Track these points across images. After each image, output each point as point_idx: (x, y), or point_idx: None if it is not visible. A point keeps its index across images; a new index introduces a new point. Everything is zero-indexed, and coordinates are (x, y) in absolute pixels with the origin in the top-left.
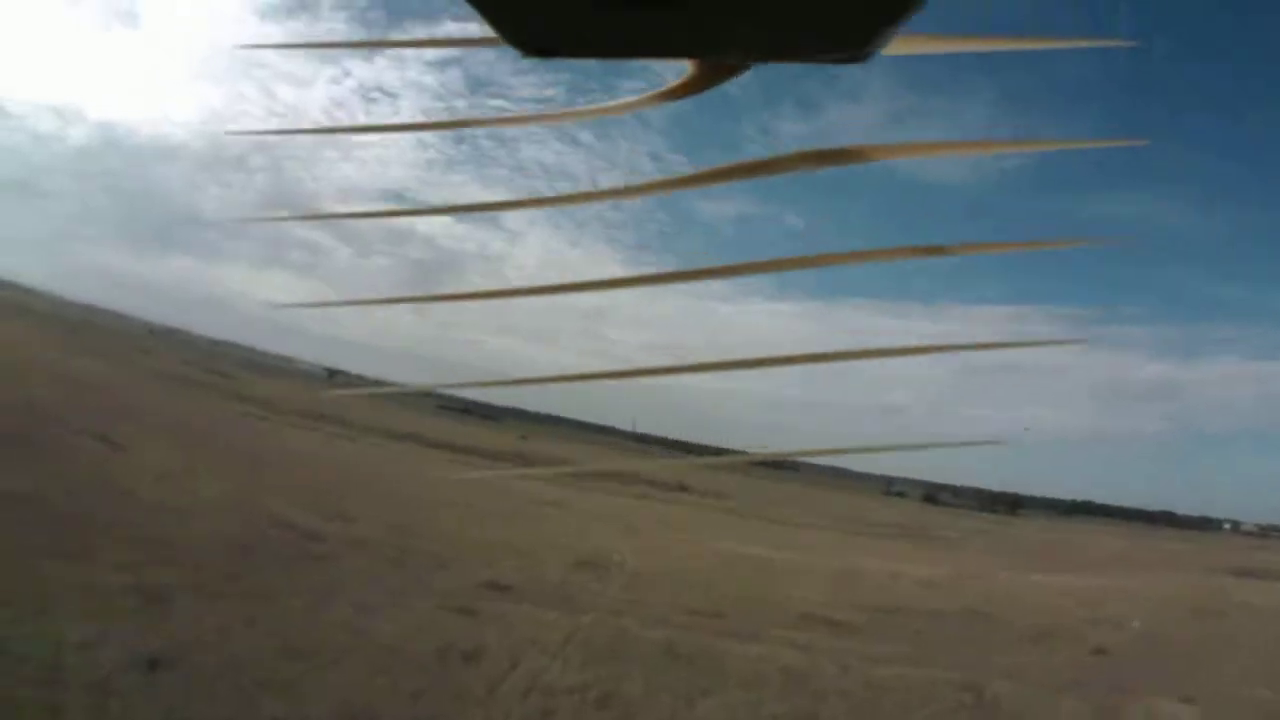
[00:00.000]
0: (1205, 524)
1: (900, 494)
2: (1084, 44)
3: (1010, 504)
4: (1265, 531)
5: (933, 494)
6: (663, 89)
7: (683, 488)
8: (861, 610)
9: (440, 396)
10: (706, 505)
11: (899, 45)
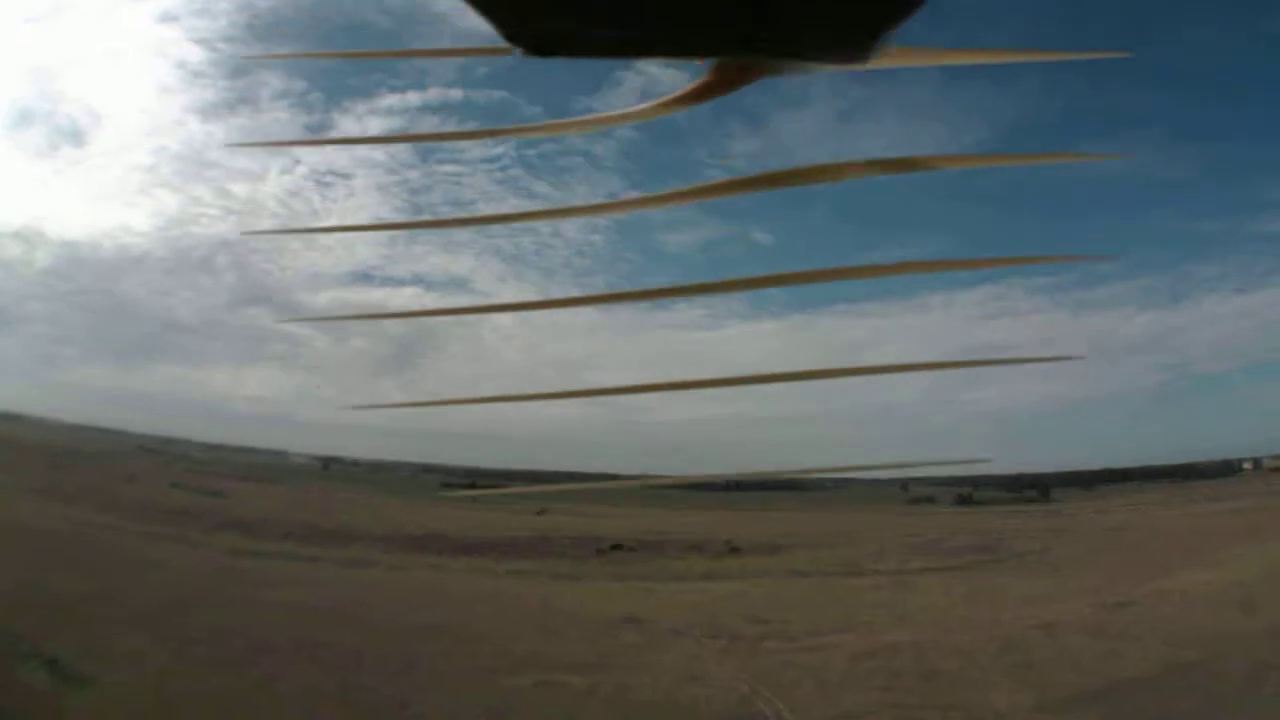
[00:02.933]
0: (1226, 468)
1: (929, 499)
2: (1080, 56)
3: (1041, 488)
4: None
5: (965, 494)
6: (677, 94)
7: (734, 549)
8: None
9: (443, 473)
10: (775, 571)
11: (896, 58)
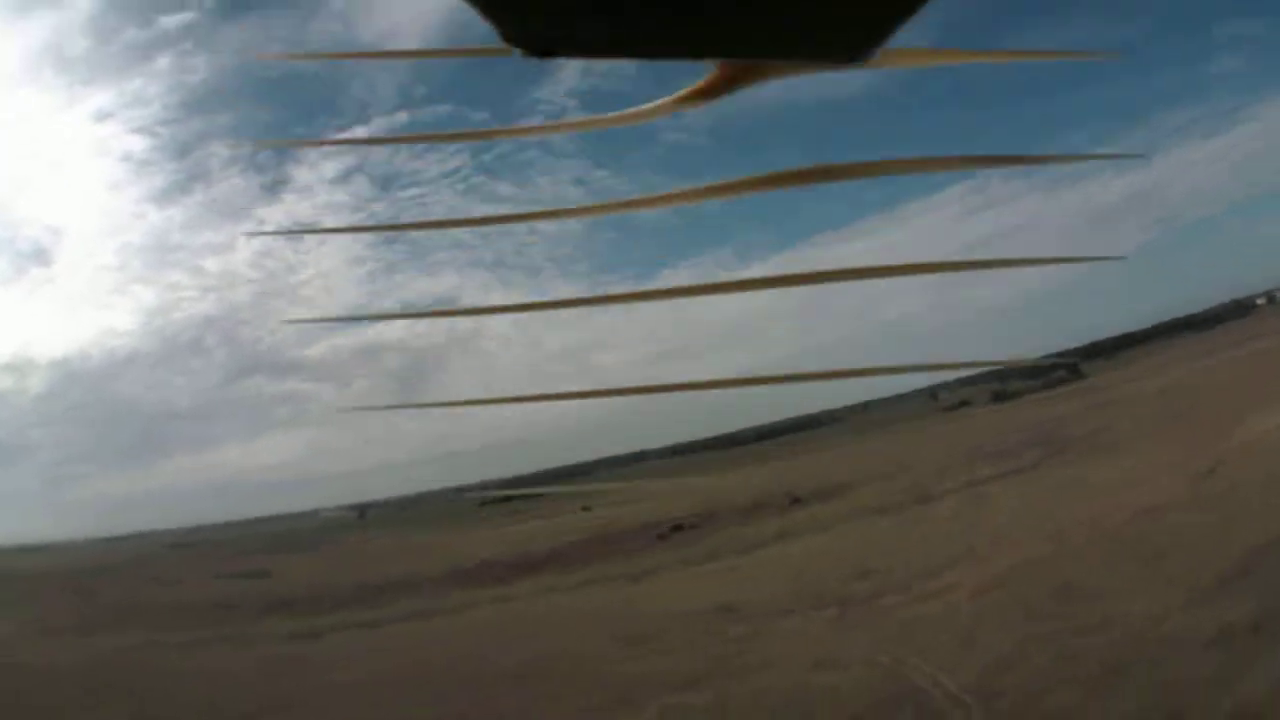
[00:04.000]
0: (1240, 309)
1: (965, 403)
2: (1071, 57)
3: (1069, 366)
4: None
5: (1000, 390)
6: (684, 93)
7: (796, 500)
8: None
9: (477, 490)
10: (848, 515)
11: (891, 59)
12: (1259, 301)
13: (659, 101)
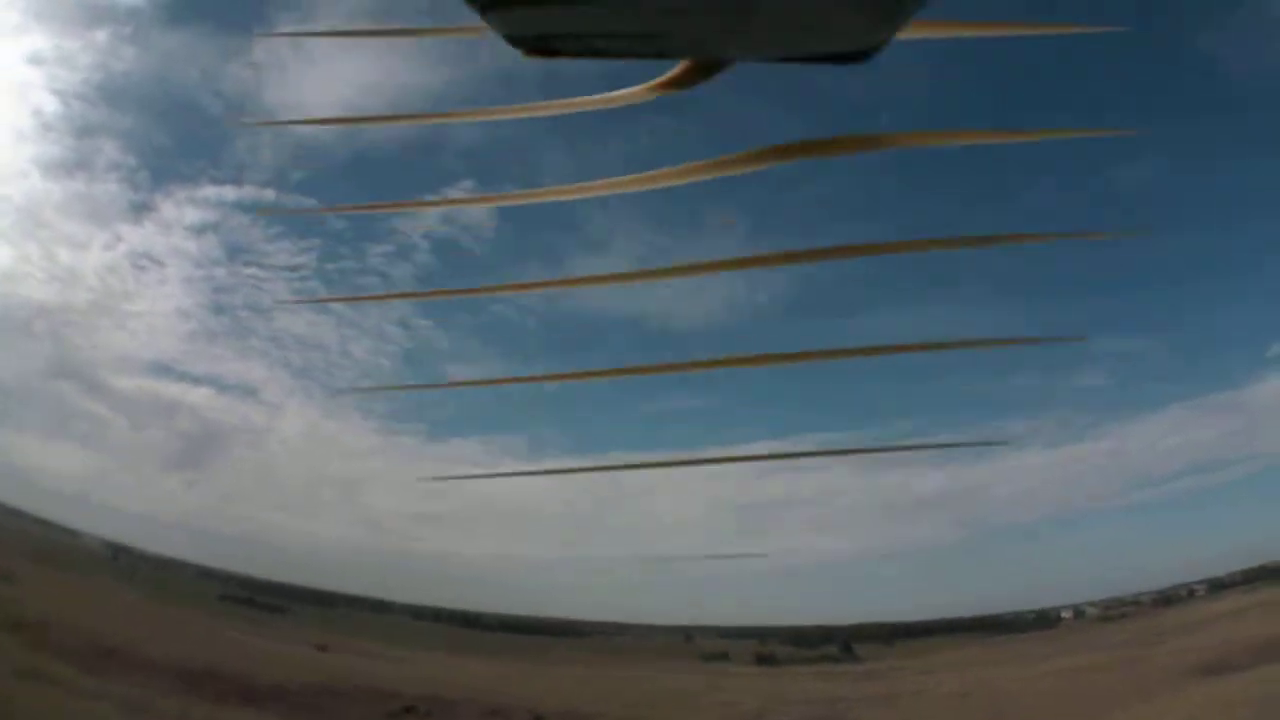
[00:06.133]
0: (1043, 619)
1: (723, 655)
2: (1078, 30)
3: (841, 643)
4: (1107, 612)
5: (765, 653)
6: (654, 82)
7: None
8: None
9: (223, 582)
10: None
11: (917, 30)
12: (1064, 614)
13: (634, 89)
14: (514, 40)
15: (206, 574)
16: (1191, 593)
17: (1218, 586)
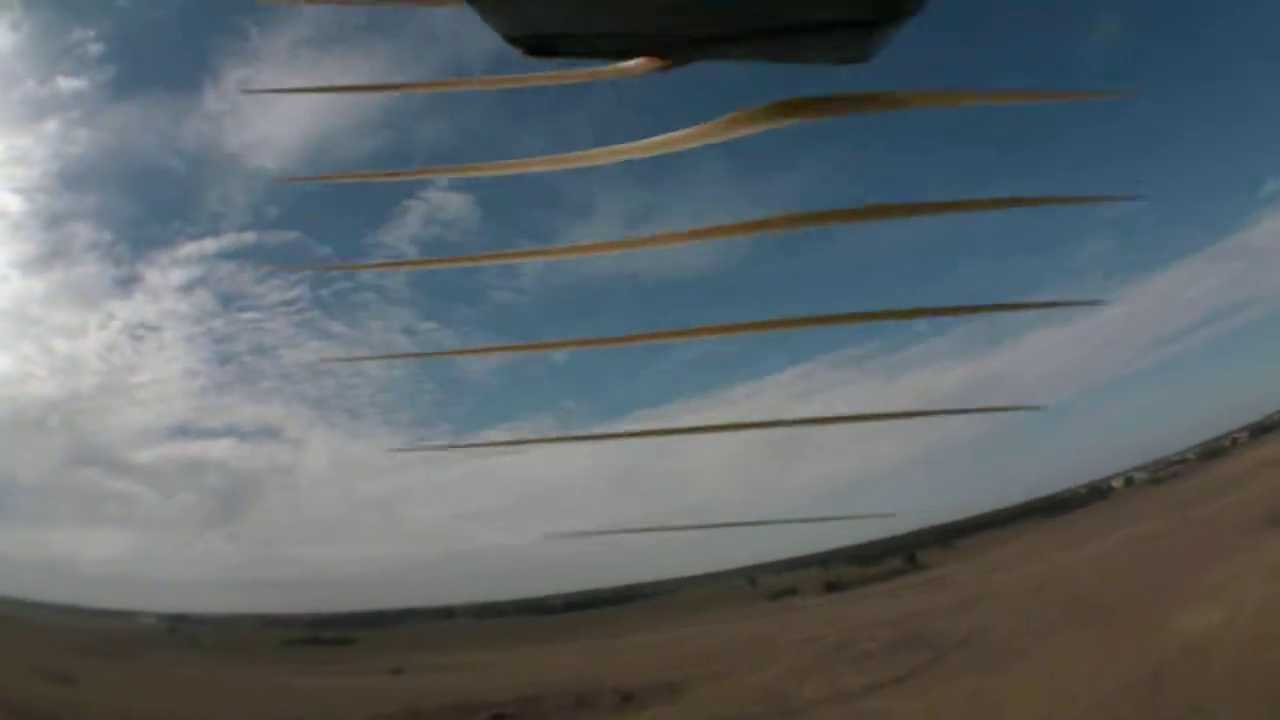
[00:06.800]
0: (1095, 493)
1: (792, 590)
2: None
3: (904, 553)
4: (1157, 474)
5: (831, 579)
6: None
7: (627, 697)
8: None
9: (284, 627)
10: None
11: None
12: (1114, 484)
13: (632, 61)
14: (514, 41)
15: (268, 622)
16: (1235, 441)
17: (1260, 430)
